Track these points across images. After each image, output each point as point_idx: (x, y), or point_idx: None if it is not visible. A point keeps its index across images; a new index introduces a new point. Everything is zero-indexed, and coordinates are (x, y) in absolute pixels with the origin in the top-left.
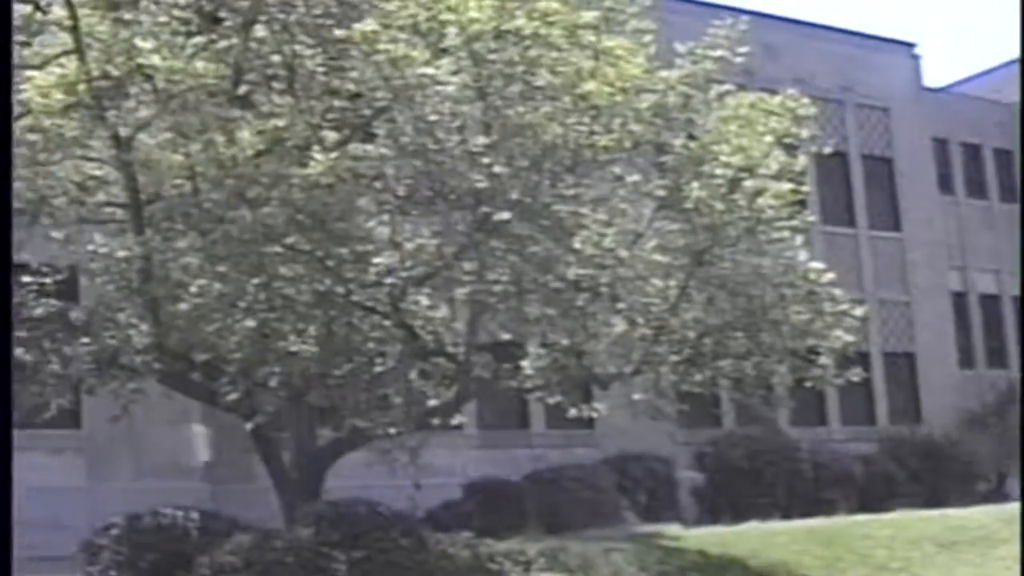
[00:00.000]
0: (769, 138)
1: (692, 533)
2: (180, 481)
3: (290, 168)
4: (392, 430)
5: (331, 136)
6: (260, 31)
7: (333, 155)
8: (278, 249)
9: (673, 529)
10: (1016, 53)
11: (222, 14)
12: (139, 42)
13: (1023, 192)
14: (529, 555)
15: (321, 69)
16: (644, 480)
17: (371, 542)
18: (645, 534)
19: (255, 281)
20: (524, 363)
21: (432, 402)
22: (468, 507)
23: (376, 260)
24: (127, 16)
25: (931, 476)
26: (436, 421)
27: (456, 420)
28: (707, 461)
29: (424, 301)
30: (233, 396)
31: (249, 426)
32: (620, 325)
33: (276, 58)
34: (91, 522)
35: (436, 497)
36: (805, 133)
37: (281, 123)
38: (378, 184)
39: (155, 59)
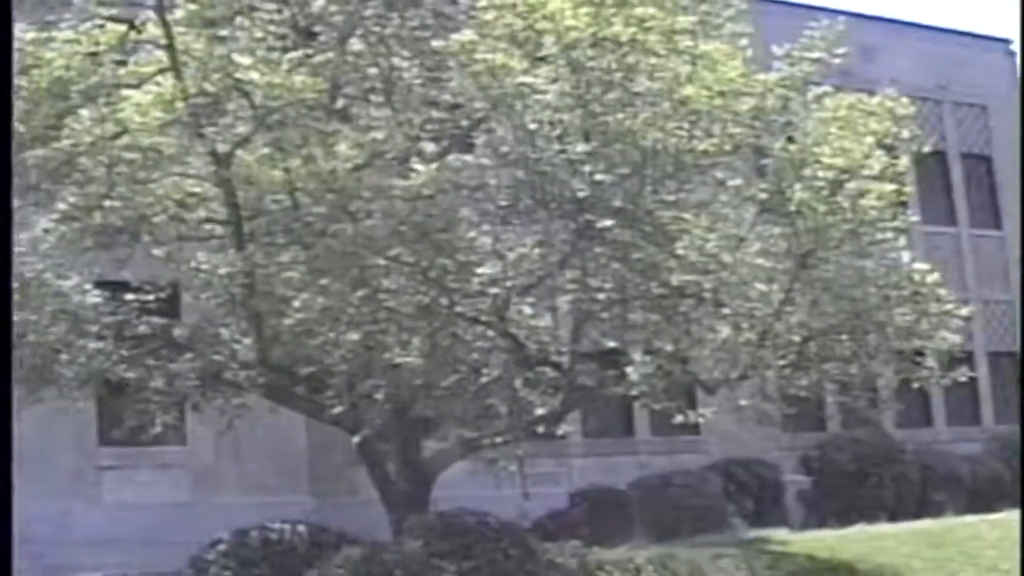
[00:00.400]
0: (869, 139)
1: (799, 537)
2: (285, 495)
3: (391, 180)
4: (498, 440)
5: (430, 147)
6: (356, 44)
7: (434, 166)
8: (381, 261)
9: (780, 534)
10: None
11: (317, 28)
12: (236, 58)
13: (1023, 192)
14: (638, 563)
15: (418, 81)
16: (750, 485)
17: (480, 553)
18: (753, 539)
19: (359, 294)
20: (629, 370)
21: (539, 411)
22: (574, 516)
23: (479, 270)
24: (222, 33)
25: None
26: (541, 430)
27: (561, 429)
28: (813, 465)
29: (527, 310)
30: (338, 409)
31: (356, 439)
32: (725, 330)
33: (373, 71)
34: (197, 538)
35: (542, 506)
36: (905, 133)
37: (380, 135)
38: (479, 194)
39: (253, 75)
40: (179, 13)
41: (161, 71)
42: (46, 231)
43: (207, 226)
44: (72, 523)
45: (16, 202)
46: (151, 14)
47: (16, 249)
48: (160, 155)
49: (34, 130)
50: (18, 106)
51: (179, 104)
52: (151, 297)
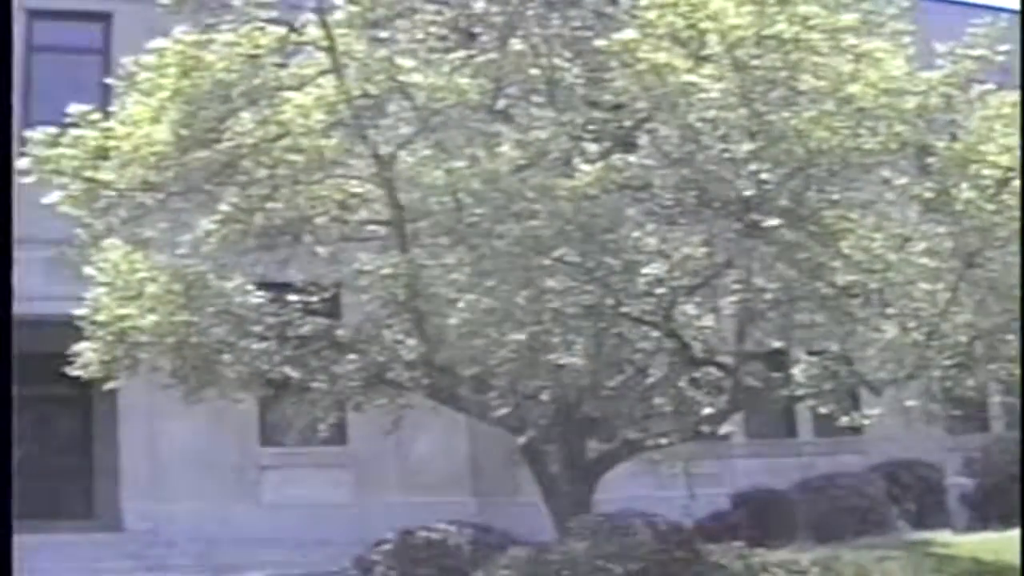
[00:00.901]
0: None
1: (963, 540)
2: (446, 496)
3: (555, 180)
4: (663, 440)
5: (592, 147)
6: (517, 45)
7: (600, 165)
8: (546, 261)
9: (944, 536)
10: None
11: (477, 30)
12: (398, 60)
13: (1023, 189)
14: (802, 565)
15: (580, 81)
16: (913, 487)
17: (647, 554)
18: (916, 541)
19: (524, 294)
20: (795, 371)
21: (707, 410)
22: (737, 517)
23: (644, 270)
24: (383, 34)
25: None
26: (706, 430)
27: (724, 429)
28: (976, 467)
29: (692, 310)
30: (503, 410)
31: (521, 440)
32: (891, 330)
33: (534, 71)
34: (359, 538)
35: (704, 507)
36: None
37: (542, 136)
38: (644, 194)
39: (415, 76)
40: (339, 15)
41: (322, 73)
42: (208, 233)
43: (369, 227)
44: (234, 522)
45: (179, 203)
46: (311, 16)
47: (178, 251)
48: (322, 157)
49: (196, 132)
50: (180, 108)
51: (341, 106)
52: (314, 298)
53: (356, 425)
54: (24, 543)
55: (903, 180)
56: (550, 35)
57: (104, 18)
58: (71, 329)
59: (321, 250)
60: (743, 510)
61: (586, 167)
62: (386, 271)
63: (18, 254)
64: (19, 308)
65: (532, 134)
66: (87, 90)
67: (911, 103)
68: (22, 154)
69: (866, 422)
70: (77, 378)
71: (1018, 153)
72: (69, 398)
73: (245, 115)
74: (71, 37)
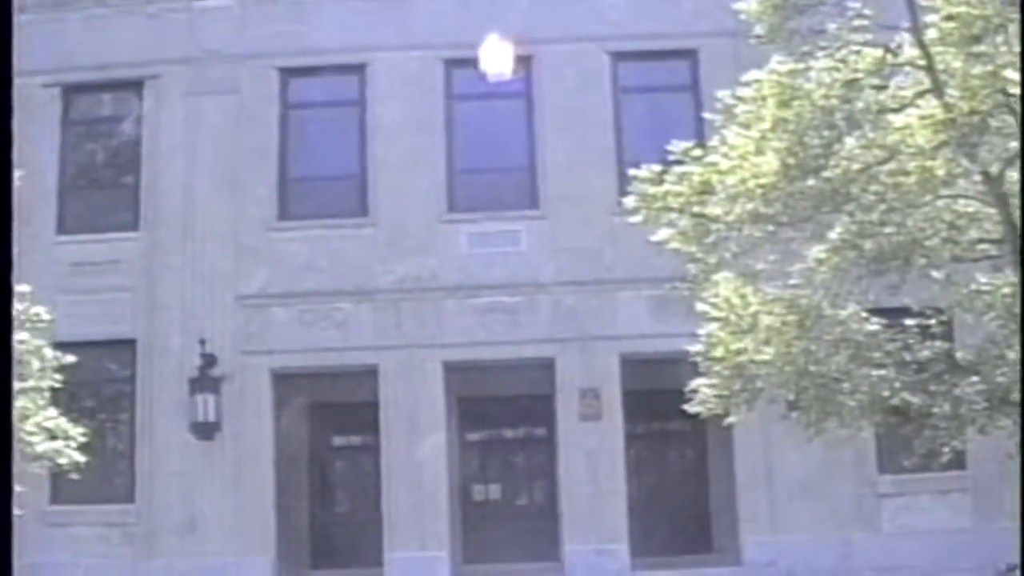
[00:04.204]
0: None
1: None
2: None
3: None
4: None
5: None
6: None
7: None
8: None
9: None
10: None
11: None
12: (1003, 74)
13: (1023, 190)
14: None
15: None
16: None
17: None
18: None
19: None
20: None
21: None
22: None
23: None
24: (977, 49)
25: None
26: None
27: None
28: None
29: None
30: None
31: None
32: None
33: None
34: (983, 564)
35: None
36: None
37: None
38: None
39: (1017, 89)
40: (933, 33)
41: (921, 93)
42: (819, 261)
43: (981, 246)
44: (853, 552)
45: (788, 233)
46: (906, 36)
47: (789, 281)
48: (931, 177)
49: (802, 161)
50: (783, 138)
51: (945, 125)
52: (932, 321)
53: (973, 448)
54: None
55: None
56: None
57: (690, 55)
58: (683, 365)
59: (936, 273)
60: None
61: None
62: (1006, 290)
63: (626, 294)
64: (631, 347)
65: None
66: (675, 126)
67: None
68: (626, 192)
69: None
70: (691, 413)
71: None
72: (683, 433)
73: (849, 140)
74: (659, 76)
